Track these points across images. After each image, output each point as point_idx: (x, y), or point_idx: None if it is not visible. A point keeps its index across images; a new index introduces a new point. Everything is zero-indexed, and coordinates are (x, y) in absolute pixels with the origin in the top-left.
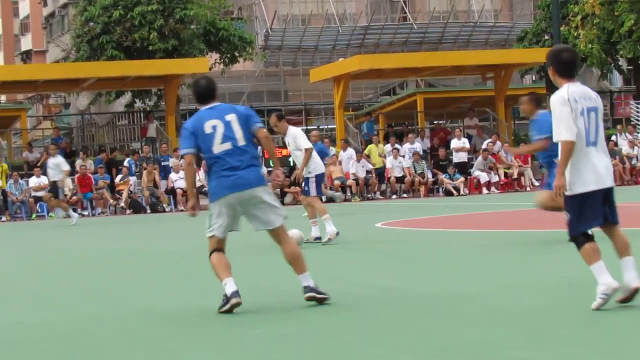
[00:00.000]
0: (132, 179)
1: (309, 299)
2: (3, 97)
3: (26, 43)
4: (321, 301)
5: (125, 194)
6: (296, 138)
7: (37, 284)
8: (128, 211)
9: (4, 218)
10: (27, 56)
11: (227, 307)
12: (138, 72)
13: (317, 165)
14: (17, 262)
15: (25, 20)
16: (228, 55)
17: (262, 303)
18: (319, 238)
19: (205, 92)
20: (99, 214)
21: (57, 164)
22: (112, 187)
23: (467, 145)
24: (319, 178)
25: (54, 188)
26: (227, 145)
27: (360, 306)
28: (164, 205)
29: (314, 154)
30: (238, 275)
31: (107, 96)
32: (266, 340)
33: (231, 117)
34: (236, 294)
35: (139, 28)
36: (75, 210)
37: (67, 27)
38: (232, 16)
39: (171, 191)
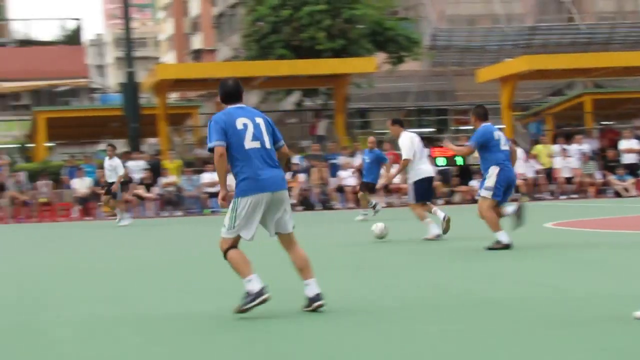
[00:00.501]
0: (302, 176)
1: (317, 308)
2: (175, 95)
3: (197, 42)
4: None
5: (296, 191)
6: (401, 146)
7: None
8: (299, 207)
9: (179, 213)
10: (198, 55)
11: (254, 303)
12: (307, 71)
13: (415, 172)
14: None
15: (195, 19)
16: (395, 55)
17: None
18: (438, 235)
19: (233, 92)
20: None
21: (115, 166)
22: None
23: (637, 147)
24: (417, 185)
25: (109, 189)
26: (257, 144)
27: (529, 306)
28: (334, 203)
29: (417, 161)
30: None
31: (277, 95)
32: (441, 337)
33: (260, 121)
34: (265, 288)
35: (307, 27)
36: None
37: (237, 26)
38: (399, 16)
39: (341, 188)
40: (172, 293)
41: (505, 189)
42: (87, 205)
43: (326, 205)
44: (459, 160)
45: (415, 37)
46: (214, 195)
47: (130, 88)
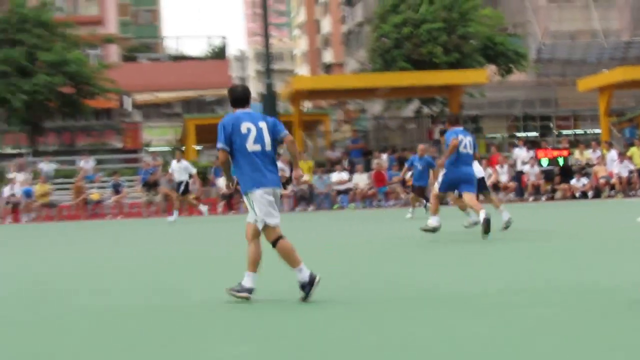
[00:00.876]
0: None
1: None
2: (309, 104)
3: (328, 56)
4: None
5: None
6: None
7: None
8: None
9: (310, 208)
10: (328, 68)
11: (312, 289)
12: (425, 82)
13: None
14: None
15: (327, 36)
16: (504, 68)
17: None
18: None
19: (241, 97)
20: (391, 205)
21: (185, 168)
22: (403, 182)
23: None
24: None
25: (179, 187)
26: (258, 147)
27: (623, 293)
28: (448, 199)
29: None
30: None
31: (398, 103)
32: (539, 320)
33: (262, 125)
34: (314, 274)
35: (425, 43)
36: (371, 202)
37: (363, 42)
38: (508, 32)
39: None
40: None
41: (454, 185)
42: (230, 201)
43: (441, 201)
44: (561, 161)
45: (523, 51)
46: (343, 192)
47: (269, 97)
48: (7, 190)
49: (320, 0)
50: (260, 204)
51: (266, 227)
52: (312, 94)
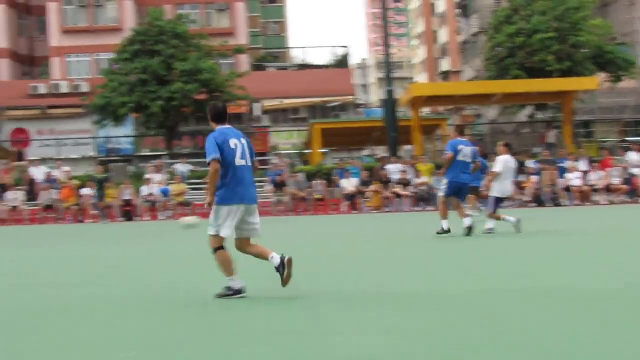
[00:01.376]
0: (535, 178)
1: (289, 263)
2: (427, 109)
3: (445, 65)
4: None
5: (530, 190)
6: (496, 161)
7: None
8: (532, 204)
9: (430, 208)
10: (446, 76)
11: (234, 297)
12: (538, 89)
13: (500, 188)
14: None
15: (444, 46)
16: (614, 75)
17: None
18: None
19: (222, 113)
20: (508, 206)
21: None
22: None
23: None
24: (497, 200)
25: None
26: (243, 162)
27: None
28: (562, 200)
29: (503, 180)
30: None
31: (513, 108)
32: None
33: (244, 142)
34: (245, 289)
35: (538, 52)
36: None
37: (479, 51)
38: (617, 42)
39: (568, 188)
40: (412, 272)
41: (456, 191)
42: (354, 201)
43: (556, 202)
44: None
45: (632, 59)
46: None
47: (389, 103)
48: (145, 190)
49: (438, 12)
50: (223, 217)
51: (216, 236)
52: (430, 100)
